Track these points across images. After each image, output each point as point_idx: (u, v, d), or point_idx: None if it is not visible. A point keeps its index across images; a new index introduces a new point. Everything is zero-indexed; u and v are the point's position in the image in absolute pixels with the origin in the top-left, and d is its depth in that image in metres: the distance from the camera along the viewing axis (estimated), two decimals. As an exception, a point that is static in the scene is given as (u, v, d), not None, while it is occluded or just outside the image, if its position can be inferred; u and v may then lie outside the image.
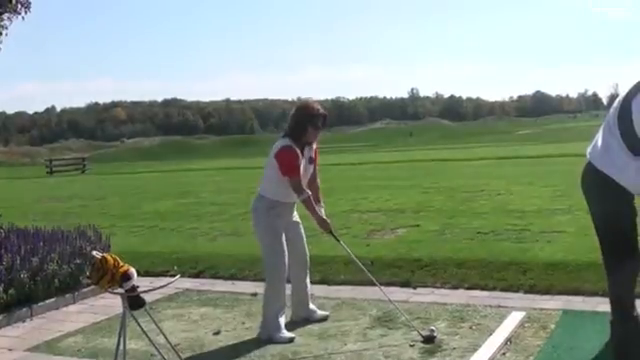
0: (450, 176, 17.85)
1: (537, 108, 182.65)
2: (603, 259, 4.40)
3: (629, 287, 4.29)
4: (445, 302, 6.27)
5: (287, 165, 5.48)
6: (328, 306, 6.29)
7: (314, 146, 5.75)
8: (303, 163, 5.58)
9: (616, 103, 4.16)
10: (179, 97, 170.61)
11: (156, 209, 14.51)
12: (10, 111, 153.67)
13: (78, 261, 7.28)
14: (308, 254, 5.91)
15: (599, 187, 4.26)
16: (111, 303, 6.41)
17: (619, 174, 4.09)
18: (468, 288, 6.71)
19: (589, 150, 4.34)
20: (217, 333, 5.79)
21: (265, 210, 5.61)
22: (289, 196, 5.59)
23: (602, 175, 4.17)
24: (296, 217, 5.84)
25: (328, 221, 5.70)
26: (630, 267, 4.22)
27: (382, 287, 6.12)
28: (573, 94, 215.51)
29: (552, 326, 5.36)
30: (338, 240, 5.84)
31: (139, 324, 4.22)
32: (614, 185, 4.11)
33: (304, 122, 5.56)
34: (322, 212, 5.71)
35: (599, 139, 4.26)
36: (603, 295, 5.47)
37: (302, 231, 5.87)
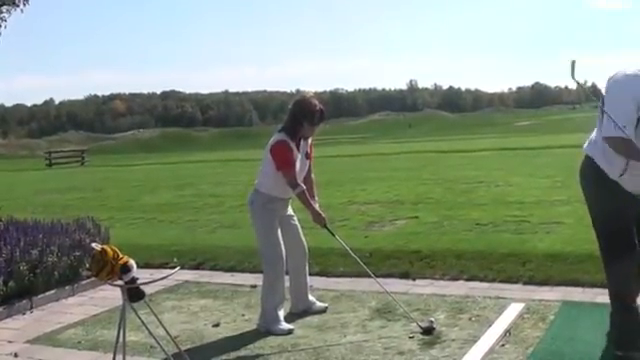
0: (449, 167, 17.86)
1: (536, 99, 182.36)
2: (600, 253, 4.41)
3: (627, 280, 4.29)
4: (444, 294, 6.28)
5: (281, 160, 5.48)
6: (327, 298, 6.30)
7: (310, 141, 5.74)
8: (299, 158, 5.57)
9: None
10: (178, 89, 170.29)
11: (155, 201, 14.52)
12: (8, 104, 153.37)
13: (77, 253, 7.29)
14: (306, 246, 5.91)
15: (594, 180, 4.28)
16: (111, 295, 6.42)
17: (604, 160, 4.12)
18: (467, 279, 6.71)
19: (585, 144, 4.36)
20: (217, 325, 5.80)
21: (261, 204, 5.62)
22: (285, 192, 5.60)
23: (595, 166, 4.19)
24: (290, 210, 5.85)
25: (323, 215, 5.69)
26: (628, 260, 4.22)
27: (381, 279, 6.14)
28: (572, 85, 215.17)
29: (551, 317, 5.37)
30: (333, 234, 5.83)
31: (139, 316, 4.22)
32: (608, 177, 4.13)
33: (300, 118, 5.54)
34: (317, 206, 5.71)
35: (593, 132, 4.30)
36: (602, 286, 5.47)
37: (297, 223, 5.87)
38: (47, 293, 6.91)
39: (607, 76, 4.04)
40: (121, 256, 4.06)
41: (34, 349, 5.47)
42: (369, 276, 5.98)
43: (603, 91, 4.06)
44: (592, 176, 4.28)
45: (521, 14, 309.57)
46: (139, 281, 4.15)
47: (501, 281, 6.55)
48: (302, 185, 5.55)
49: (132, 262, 4.08)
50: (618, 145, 3.92)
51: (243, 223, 9.67)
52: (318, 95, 6.05)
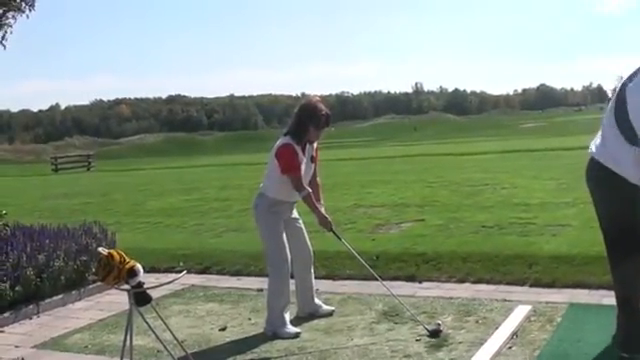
0: (455, 170, 17.82)
1: (542, 101, 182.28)
2: (607, 254, 4.39)
3: (634, 282, 4.27)
4: (451, 296, 6.27)
5: (286, 163, 5.48)
6: (334, 301, 6.30)
7: (315, 145, 5.75)
8: (304, 161, 5.57)
9: (614, 94, 4.17)
10: (183, 93, 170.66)
11: (161, 205, 14.53)
12: (14, 109, 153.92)
13: (84, 258, 7.31)
14: (311, 249, 5.91)
15: (602, 181, 4.25)
16: (117, 299, 6.44)
17: (618, 165, 4.09)
18: (474, 282, 6.70)
19: (591, 145, 4.34)
20: (223, 329, 5.80)
21: (266, 207, 5.62)
22: (290, 195, 5.60)
23: (604, 168, 4.17)
24: (295, 214, 5.85)
25: (329, 219, 5.69)
26: (635, 262, 4.20)
27: (387, 282, 6.15)
28: (578, 87, 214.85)
29: (558, 319, 5.36)
30: (339, 238, 5.83)
31: (145, 320, 4.22)
32: (616, 178, 4.10)
33: (306, 121, 5.54)
34: (322, 210, 5.71)
35: (600, 133, 4.27)
36: (609, 288, 5.45)
37: (302, 226, 5.87)
38: (54, 298, 6.93)
39: (613, 77, 4.02)
40: (127, 260, 4.07)
41: (41, 354, 5.48)
42: (376, 279, 5.98)
43: (610, 93, 4.04)
44: (599, 178, 4.26)
45: (526, 16, 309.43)
46: (146, 285, 4.16)
47: (507, 283, 6.54)
48: (308, 189, 5.55)
49: (139, 266, 4.09)
50: None
51: (249, 227, 9.66)
52: (324, 98, 6.03)
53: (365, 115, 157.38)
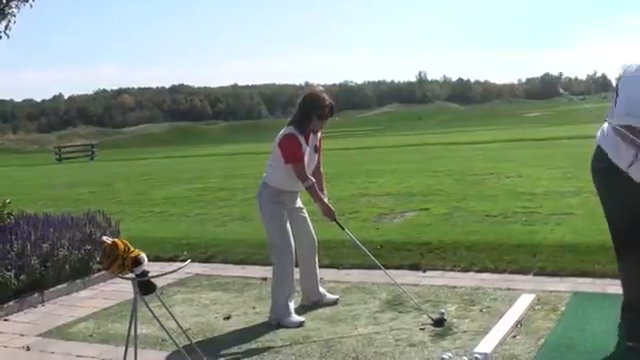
0: (459, 159, 17.82)
1: (546, 90, 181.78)
2: (614, 245, 4.37)
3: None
4: (455, 285, 6.27)
5: (289, 153, 5.47)
6: (338, 290, 6.30)
7: (319, 134, 5.73)
8: (308, 151, 5.55)
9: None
10: (186, 83, 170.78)
11: (165, 195, 14.55)
12: (18, 99, 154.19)
13: (88, 247, 7.31)
14: (316, 238, 5.90)
15: (605, 173, 4.23)
16: (122, 288, 6.46)
17: (616, 157, 4.08)
18: (478, 271, 6.70)
19: (598, 134, 4.31)
20: (228, 318, 5.81)
21: (269, 197, 5.61)
22: (293, 185, 5.59)
23: (606, 160, 4.15)
24: (299, 203, 5.84)
25: (332, 209, 5.68)
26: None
27: (391, 271, 6.14)
28: (582, 76, 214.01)
29: (562, 308, 5.35)
30: (343, 228, 5.82)
31: (150, 309, 4.22)
32: (619, 170, 4.09)
33: (309, 112, 5.52)
34: (326, 200, 5.70)
35: (605, 123, 4.25)
36: (613, 277, 5.46)
37: (307, 215, 5.86)
38: (58, 287, 6.94)
39: (618, 67, 3.99)
40: (132, 249, 4.07)
41: (46, 342, 5.49)
42: (379, 268, 5.98)
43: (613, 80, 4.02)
44: (603, 169, 4.24)
45: (530, 5, 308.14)
46: (150, 274, 4.16)
47: (512, 272, 6.53)
48: (311, 179, 5.54)
49: (143, 255, 4.08)
50: (625, 133, 3.86)
51: (253, 216, 9.67)
52: (327, 88, 6.00)
53: (369, 104, 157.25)
